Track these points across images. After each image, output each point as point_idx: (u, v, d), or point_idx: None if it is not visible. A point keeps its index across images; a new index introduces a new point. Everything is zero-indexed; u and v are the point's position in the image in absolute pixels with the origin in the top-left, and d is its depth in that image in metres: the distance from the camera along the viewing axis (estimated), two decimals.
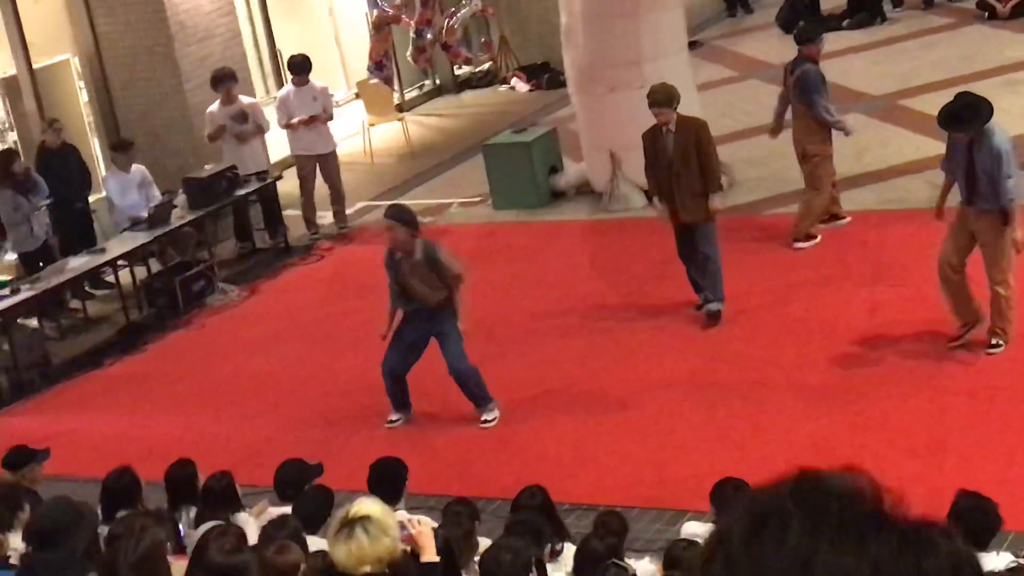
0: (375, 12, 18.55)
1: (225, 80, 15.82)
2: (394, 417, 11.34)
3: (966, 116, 10.49)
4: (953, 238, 10.66)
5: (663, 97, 11.76)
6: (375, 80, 19.33)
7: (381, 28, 18.47)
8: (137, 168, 15.35)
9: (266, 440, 11.42)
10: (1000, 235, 10.46)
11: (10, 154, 14.92)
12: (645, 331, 12.16)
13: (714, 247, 11.86)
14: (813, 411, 10.36)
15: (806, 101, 13.06)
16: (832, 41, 20.43)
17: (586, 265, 14.13)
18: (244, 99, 16.09)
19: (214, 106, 15.90)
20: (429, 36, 18.88)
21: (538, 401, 11.31)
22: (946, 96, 16.68)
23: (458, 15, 19.29)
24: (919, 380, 10.57)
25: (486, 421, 11.03)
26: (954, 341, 10.84)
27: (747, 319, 12.04)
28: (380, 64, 18.61)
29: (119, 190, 15.14)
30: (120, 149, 15.39)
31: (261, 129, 16.04)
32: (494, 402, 11.12)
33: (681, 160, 11.68)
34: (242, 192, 15.60)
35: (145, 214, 14.86)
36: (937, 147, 15.23)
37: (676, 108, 11.81)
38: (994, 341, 10.68)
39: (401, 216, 11.12)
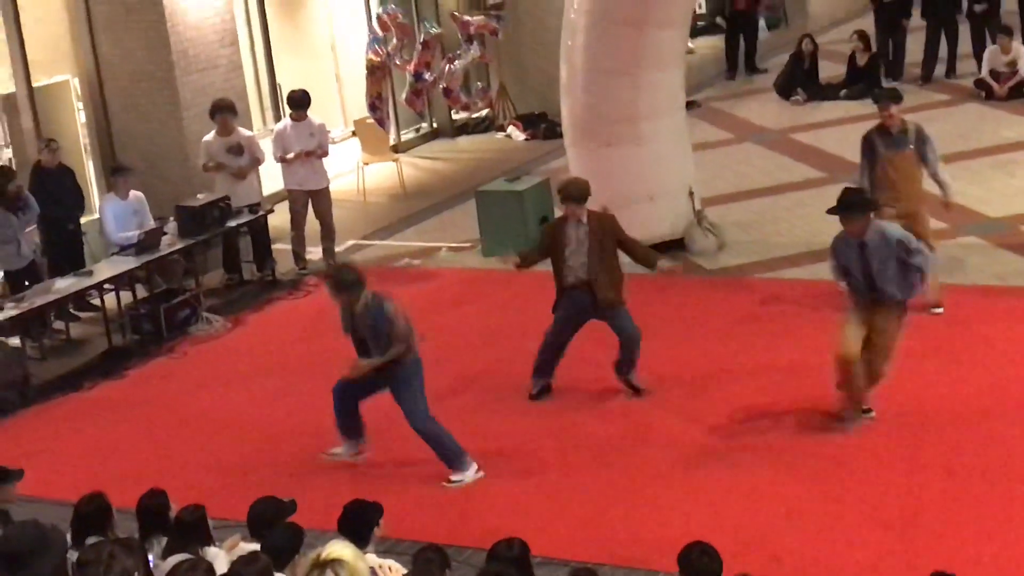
0: (367, 54, 18.58)
1: (223, 110, 15.85)
2: (336, 451, 11.31)
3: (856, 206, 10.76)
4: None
5: (577, 193, 11.75)
6: (372, 120, 19.38)
7: (373, 71, 18.51)
8: (134, 194, 15.35)
9: (241, 473, 11.38)
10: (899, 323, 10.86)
11: (6, 172, 14.90)
12: (626, 387, 12.14)
13: (634, 324, 11.86)
14: (788, 477, 10.35)
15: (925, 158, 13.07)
16: (829, 110, 20.65)
17: None
18: (241, 131, 16.12)
19: (210, 136, 15.92)
20: (428, 78, 18.92)
21: (517, 452, 11.29)
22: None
23: (458, 61, 19.34)
24: (895, 452, 10.58)
25: (451, 482, 10.78)
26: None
27: (725, 382, 12.05)
28: (372, 105, 18.63)
29: (114, 215, 15.12)
30: (119, 174, 15.39)
31: (257, 162, 16.06)
32: (466, 460, 10.84)
33: (599, 251, 11.71)
34: (233, 223, 15.61)
35: (136, 240, 14.86)
36: (932, 222, 15.31)
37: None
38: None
39: (338, 283, 10.90)
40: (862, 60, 21.37)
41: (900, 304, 10.82)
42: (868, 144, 13.10)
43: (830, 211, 10.84)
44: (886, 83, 21.37)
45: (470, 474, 10.84)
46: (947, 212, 13.49)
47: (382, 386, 11.00)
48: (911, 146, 12.86)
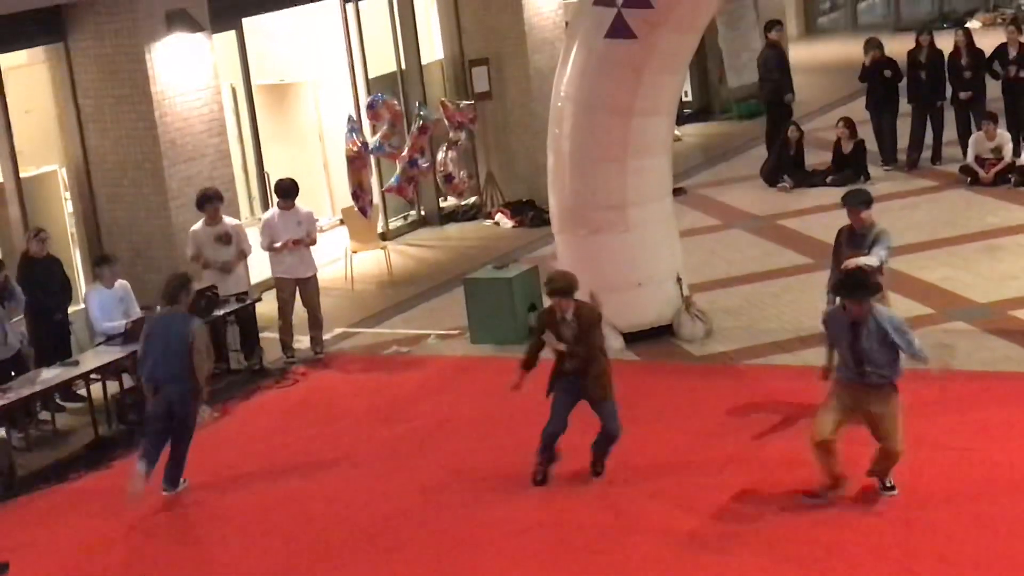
0: (346, 143, 18.62)
1: (211, 200, 15.88)
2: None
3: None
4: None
5: (563, 286, 11.90)
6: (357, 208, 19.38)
7: (353, 160, 18.54)
8: (120, 284, 15.34)
9: (224, 566, 11.29)
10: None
11: None
12: (614, 472, 12.08)
13: (616, 422, 11.94)
14: (779, 565, 10.28)
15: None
16: (815, 197, 20.72)
17: None
18: (229, 220, 16.13)
19: (198, 225, 15.93)
20: (423, 165, 18.97)
21: (507, 541, 11.20)
22: (928, 258, 17.05)
23: (453, 148, 19.44)
24: (887, 539, 10.52)
25: None
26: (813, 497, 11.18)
27: (715, 469, 11.99)
28: (355, 194, 18.64)
29: (99, 304, 15.09)
30: (104, 264, 15.37)
31: (243, 254, 16.07)
32: None
33: (584, 344, 11.80)
34: (220, 312, 15.58)
35: (123, 329, 14.82)
36: (916, 308, 15.38)
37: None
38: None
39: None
40: (847, 147, 21.49)
41: (891, 384, 11.01)
42: (838, 239, 13.30)
43: (836, 292, 11.22)
44: (877, 169, 21.49)
45: None
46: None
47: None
48: (867, 248, 12.90)
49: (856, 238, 13.02)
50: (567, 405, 12.05)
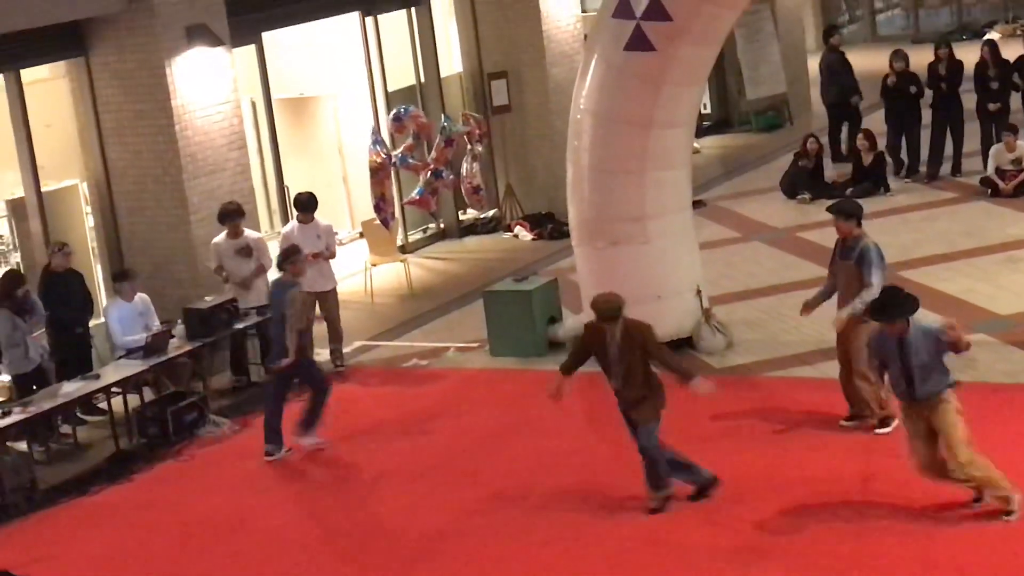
0: (370, 155, 18.67)
1: (232, 216, 15.94)
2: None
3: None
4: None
5: (611, 312, 11.58)
6: (378, 221, 19.43)
7: (376, 171, 18.59)
8: (140, 297, 15.39)
9: None
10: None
11: (17, 277, 14.88)
12: (634, 487, 12.06)
13: (653, 443, 11.62)
14: None
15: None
16: None
17: (580, 415, 14.08)
18: (250, 234, 16.18)
19: (219, 237, 16.00)
20: (447, 177, 19.00)
21: (528, 554, 11.19)
22: (949, 269, 17.01)
23: (479, 159, 19.51)
24: (908, 554, 10.48)
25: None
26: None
27: (736, 483, 11.95)
28: (377, 206, 18.69)
29: (119, 318, 15.14)
30: (123, 279, 15.42)
31: (263, 268, 16.10)
32: None
33: (627, 365, 11.55)
34: (241, 325, 15.61)
35: (143, 343, 14.86)
36: (937, 320, 15.31)
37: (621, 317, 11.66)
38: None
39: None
40: (867, 159, 21.45)
41: (942, 396, 10.91)
42: (834, 248, 13.25)
43: (873, 316, 11.10)
44: (897, 181, 21.46)
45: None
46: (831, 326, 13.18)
47: None
48: (852, 261, 12.86)
49: (845, 250, 12.98)
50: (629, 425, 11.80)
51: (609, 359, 11.63)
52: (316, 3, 19.80)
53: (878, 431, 12.64)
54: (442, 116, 19.76)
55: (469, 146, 19.59)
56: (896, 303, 10.97)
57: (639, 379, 11.58)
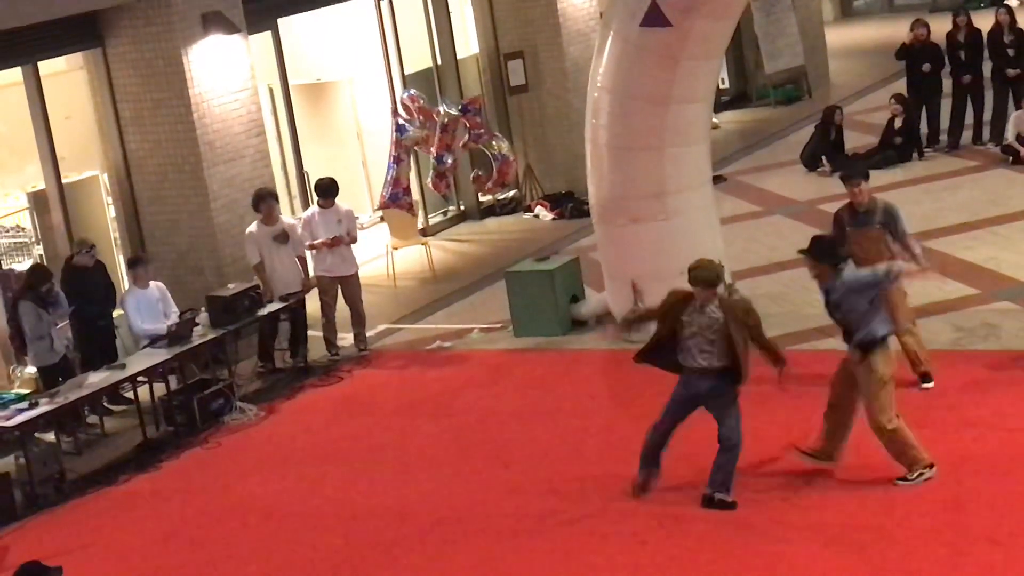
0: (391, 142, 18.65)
1: (265, 199, 15.95)
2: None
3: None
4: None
5: (710, 277, 11.18)
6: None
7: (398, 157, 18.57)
8: (155, 285, 15.41)
9: (275, 568, 11.34)
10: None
11: (44, 272, 14.84)
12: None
13: (736, 429, 11.22)
14: (831, 552, 10.25)
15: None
16: None
17: (604, 395, 14.09)
18: (285, 219, 16.21)
19: (253, 226, 15.98)
20: (449, 161, 18.96)
21: (550, 531, 11.21)
22: (972, 238, 16.95)
23: (494, 141, 19.42)
24: (938, 522, 10.47)
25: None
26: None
27: (763, 456, 11.95)
28: (405, 189, 18.69)
29: (136, 307, 15.16)
30: (136, 264, 15.44)
31: (301, 258, 16.14)
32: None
33: (723, 342, 11.09)
34: (264, 312, 15.64)
35: (163, 330, 14.90)
36: (961, 289, 15.32)
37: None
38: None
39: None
40: (899, 123, 21.27)
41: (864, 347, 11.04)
42: (837, 222, 13.08)
43: (801, 251, 11.35)
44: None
45: None
46: (922, 279, 12.88)
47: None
48: (877, 224, 12.75)
49: (858, 217, 12.82)
50: (684, 407, 11.33)
51: (692, 331, 11.15)
52: None
53: (923, 386, 12.90)
54: (439, 100, 19.62)
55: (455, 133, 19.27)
56: (825, 248, 11.22)
57: (726, 358, 11.12)
